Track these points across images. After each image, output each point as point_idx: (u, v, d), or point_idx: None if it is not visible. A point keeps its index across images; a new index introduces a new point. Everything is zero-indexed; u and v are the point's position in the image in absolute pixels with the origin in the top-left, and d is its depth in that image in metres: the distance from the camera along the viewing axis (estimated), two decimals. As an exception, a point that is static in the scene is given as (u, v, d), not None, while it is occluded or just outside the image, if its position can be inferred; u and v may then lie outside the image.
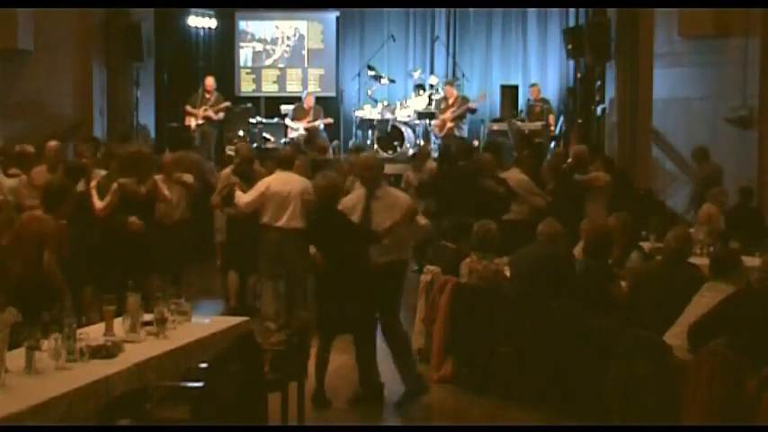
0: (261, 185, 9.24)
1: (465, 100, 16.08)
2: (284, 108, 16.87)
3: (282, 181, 9.18)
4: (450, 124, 15.88)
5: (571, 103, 16.80)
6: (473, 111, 16.22)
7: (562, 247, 7.55)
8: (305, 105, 16.46)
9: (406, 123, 16.18)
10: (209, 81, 16.00)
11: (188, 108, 15.75)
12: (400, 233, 7.24)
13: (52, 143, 10.26)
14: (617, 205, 9.49)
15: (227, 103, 16.25)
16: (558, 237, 7.52)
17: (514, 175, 10.62)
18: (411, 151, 15.03)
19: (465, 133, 16.10)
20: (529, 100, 16.54)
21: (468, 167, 10.94)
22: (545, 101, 16.33)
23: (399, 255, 7.34)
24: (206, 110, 15.70)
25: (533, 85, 16.62)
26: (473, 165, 11.05)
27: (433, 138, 15.97)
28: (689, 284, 6.31)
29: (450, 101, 15.99)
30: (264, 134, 16.11)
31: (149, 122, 16.03)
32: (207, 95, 15.86)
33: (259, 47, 18.48)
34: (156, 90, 16.40)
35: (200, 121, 15.68)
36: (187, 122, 15.73)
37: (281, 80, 18.44)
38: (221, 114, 15.98)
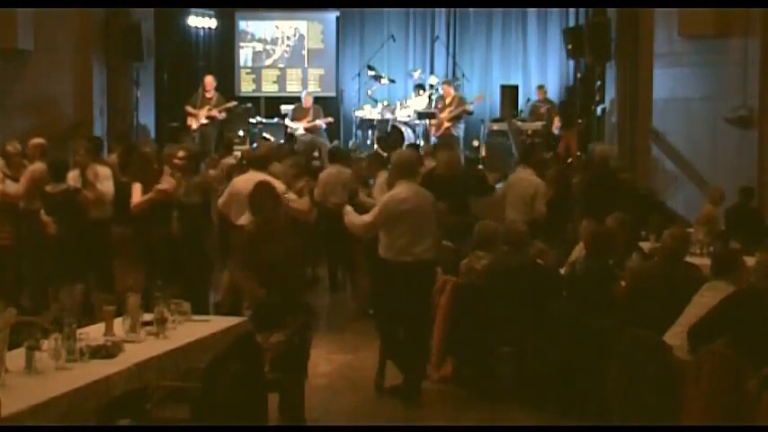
0: (231, 185, 9.25)
1: (462, 100, 16.06)
2: (284, 108, 16.86)
3: (246, 181, 8.91)
4: (447, 124, 15.85)
5: (571, 103, 16.79)
6: (470, 113, 16.20)
7: (529, 251, 7.62)
8: (304, 105, 16.44)
9: (406, 123, 16.17)
10: (209, 80, 15.90)
11: (188, 109, 15.68)
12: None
13: (35, 141, 10.13)
14: (610, 206, 9.37)
15: (234, 102, 16.22)
16: (522, 240, 7.52)
17: (528, 177, 10.44)
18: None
19: (462, 133, 16.10)
20: (529, 100, 16.55)
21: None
22: (550, 102, 16.34)
23: (398, 256, 7.25)
24: (210, 109, 15.65)
25: (540, 86, 16.62)
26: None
27: (432, 138, 15.95)
28: (688, 284, 6.31)
29: (448, 100, 15.96)
30: (264, 134, 16.09)
31: (149, 122, 16.00)
32: (207, 95, 15.82)
33: (259, 47, 18.47)
34: (156, 90, 16.37)
35: (204, 121, 15.62)
36: (188, 123, 15.69)
37: (281, 80, 18.44)
38: (224, 114, 15.95)
